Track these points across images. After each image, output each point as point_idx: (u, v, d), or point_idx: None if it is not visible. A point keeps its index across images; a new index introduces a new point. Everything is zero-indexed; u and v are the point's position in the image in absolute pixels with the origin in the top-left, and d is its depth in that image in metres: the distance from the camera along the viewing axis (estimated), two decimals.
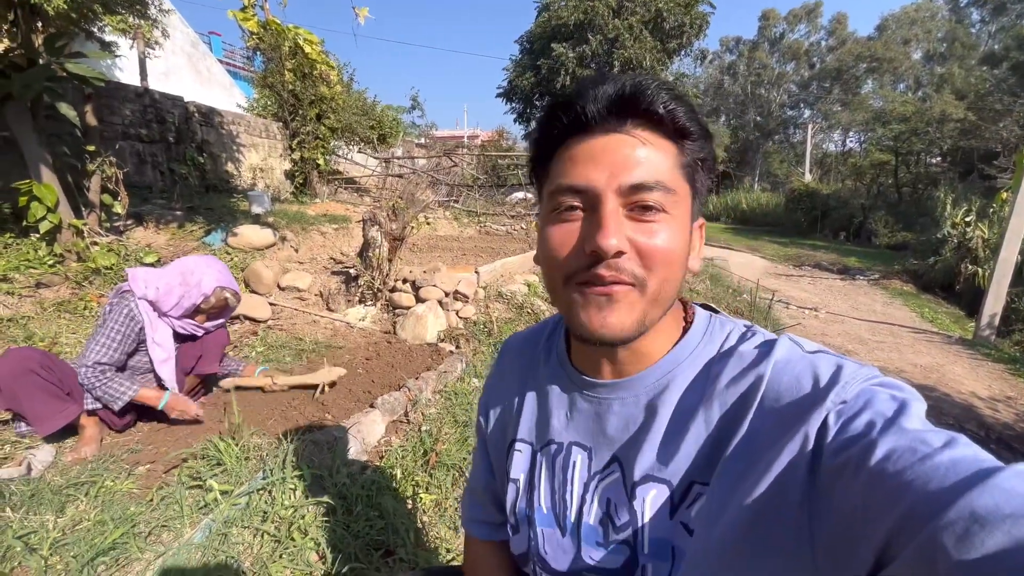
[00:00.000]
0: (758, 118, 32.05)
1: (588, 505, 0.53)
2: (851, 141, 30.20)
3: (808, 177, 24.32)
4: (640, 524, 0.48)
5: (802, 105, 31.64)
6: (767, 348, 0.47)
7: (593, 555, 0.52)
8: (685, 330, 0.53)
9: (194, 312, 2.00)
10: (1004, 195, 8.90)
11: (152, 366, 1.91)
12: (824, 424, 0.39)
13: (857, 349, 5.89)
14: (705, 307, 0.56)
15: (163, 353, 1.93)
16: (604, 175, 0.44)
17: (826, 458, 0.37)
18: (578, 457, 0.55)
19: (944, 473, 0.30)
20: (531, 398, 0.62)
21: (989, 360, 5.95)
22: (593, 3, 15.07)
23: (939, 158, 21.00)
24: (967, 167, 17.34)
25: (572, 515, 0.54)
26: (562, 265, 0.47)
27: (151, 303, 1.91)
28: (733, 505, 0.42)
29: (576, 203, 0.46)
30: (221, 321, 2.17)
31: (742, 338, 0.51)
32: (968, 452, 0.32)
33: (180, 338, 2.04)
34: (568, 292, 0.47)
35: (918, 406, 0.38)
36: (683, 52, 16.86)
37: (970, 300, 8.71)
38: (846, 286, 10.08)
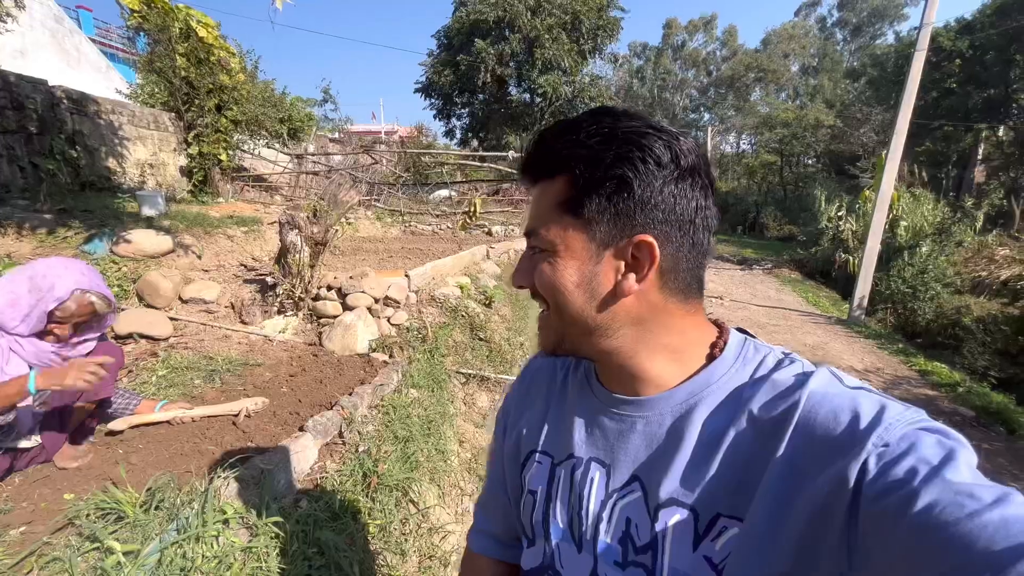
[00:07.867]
0: (664, 121, 34.39)
1: (605, 523, 0.51)
2: (744, 143, 33.45)
3: None
4: (661, 548, 0.47)
5: (702, 109, 34.40)
6: (804, 377, 0.45)
7: (610, 574, 0.50)
8: (715, 354, 0.52)
9: (48, 324, 1.60)
10: (867, 193, 10.34)
11: None
12: (864, 466, 0.37)
13: (757, 333, 6.50)
14: (741, 331, 0.56)
15: None
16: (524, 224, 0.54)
17: (865, 503, 0.36)
18: (596, 474, 0.54)
19: (992, 534, 0.29)
20: (554, 411, 0.62)
21: (861, 337, 6.89)
22: (511, 1, 15.20)
23: (814, 159, 23.93)
24: (837, 168, 19.91)
25: (588, 532, 0.53)
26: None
27: None
28: (771, 541, 0.41)
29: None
30: (92, 337, 1.76)
31: (778, 365, 0.49)
32: (1021, 512, 0.30)
33: None
34: None
35: (966, 454, 0.36)
36: (597, 55, 17.55)
37: (844, 284, 10.01)
38: (745, 275, 11.16)
